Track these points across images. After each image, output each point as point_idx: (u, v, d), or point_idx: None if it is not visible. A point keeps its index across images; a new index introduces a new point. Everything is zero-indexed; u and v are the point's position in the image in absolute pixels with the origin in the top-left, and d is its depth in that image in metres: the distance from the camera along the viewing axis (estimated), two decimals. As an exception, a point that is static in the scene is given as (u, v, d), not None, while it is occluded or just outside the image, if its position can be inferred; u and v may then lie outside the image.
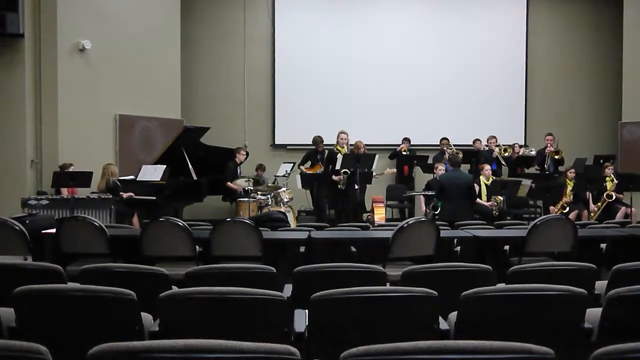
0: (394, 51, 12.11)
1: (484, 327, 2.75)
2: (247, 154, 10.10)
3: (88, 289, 2.89)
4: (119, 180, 8.41)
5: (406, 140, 11.30)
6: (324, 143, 9.92)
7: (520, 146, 11.17)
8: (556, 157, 10.51)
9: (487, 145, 10.84)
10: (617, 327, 2.82)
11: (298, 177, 9.67)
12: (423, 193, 9.36)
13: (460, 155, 8.17)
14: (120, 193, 8.15)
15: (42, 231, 5.62)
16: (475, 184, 8.30)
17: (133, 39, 9.89)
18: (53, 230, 5.40)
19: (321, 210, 9.74)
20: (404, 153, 11.11)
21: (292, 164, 10.31)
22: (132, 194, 8.26)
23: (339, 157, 9.00)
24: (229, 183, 9.42)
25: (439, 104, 12.13)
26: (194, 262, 4.95)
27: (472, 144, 11.03)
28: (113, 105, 9.65)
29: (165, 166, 8.49)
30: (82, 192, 8.08)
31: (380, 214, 9.59)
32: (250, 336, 2.00)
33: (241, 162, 9.85)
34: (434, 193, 8.76)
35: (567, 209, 9.06)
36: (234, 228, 5.25)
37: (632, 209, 8.66)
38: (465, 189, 7.66)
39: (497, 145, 10.71)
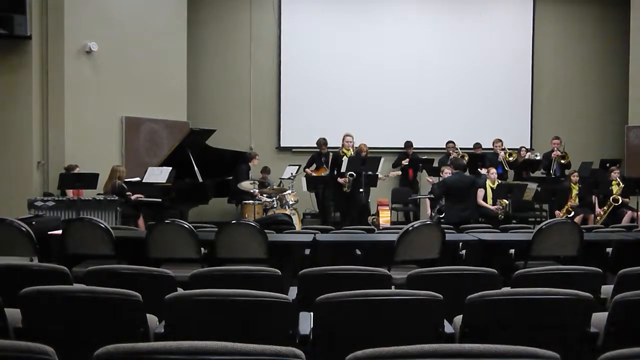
0: (400, 54, 12.10)
1: (489, 331, 2.74)
2: None
3: (94, 290, 2.90)
4: (125, 182, 8.42)
5: (408, 144, 11.23)
6: (329, 146, 9.91)
7: (527, 150, 11.12)
8: (562, 161, 10.47)
9: (492, 149, 10.79)
10: (623, 332, 2.82)
11: (303, 179, 9.67)
12: (429, 196, 9.35)
13: (466, 159, 8.15)
14: (128, 194, 8.16)
15: (49, 232, 5.64)
16: (480, 186, 8.29)
17: (139, 41, 9.93)
18: (59, 232, 5.42)
19: (326, 213, 9.73)
20: (404, 163, 11.04)
21: (297, 167, 10.32)
22: (141, 195, 8.28)
23: (345, 159, 8.98)
24: (241, 184, 9.42)
25: (444, 107, 12.11)
26: (199, 264, 4.95)
27: (483, 147, 10.94)
28: (119, 107, 9.69)
29: (171, 168, 8.50)
30: (88, 194, 8.10)
31: (385, 217, 9.59)
32: (255, 338, 2.00)
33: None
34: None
35: (573, 212, 9.03)
36: (240, 230, 5.26)
37: (638, 213, 8.63)
38: (470, 191, 7.66)
39: (503, 149, 10.66)
